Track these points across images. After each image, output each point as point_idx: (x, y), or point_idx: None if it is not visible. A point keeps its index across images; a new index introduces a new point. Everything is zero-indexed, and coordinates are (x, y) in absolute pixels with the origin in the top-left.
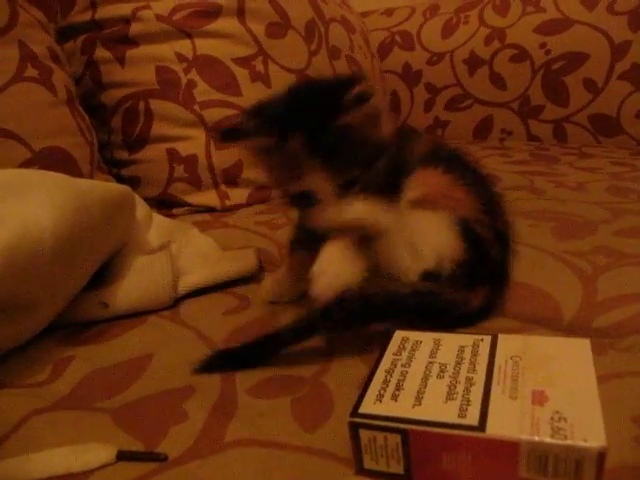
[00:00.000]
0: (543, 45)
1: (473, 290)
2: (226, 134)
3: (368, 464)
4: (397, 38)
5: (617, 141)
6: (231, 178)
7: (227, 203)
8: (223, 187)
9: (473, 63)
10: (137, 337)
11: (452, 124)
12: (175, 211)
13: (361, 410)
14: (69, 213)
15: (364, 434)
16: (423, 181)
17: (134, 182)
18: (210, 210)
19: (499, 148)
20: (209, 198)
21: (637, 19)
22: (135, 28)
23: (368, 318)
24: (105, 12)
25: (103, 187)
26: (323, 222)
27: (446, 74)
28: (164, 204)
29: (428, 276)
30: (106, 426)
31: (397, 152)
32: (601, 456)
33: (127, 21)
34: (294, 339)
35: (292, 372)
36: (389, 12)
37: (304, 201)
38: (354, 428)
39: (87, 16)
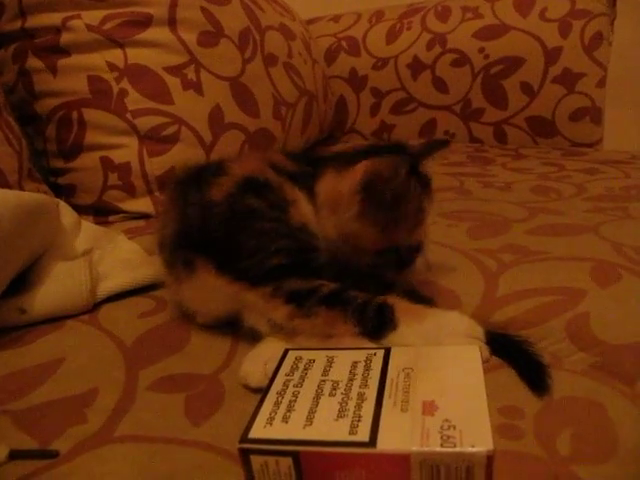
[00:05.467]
0: (482, 50)
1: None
2: None
3: None
4: (343, 44)
5: (553, 142)
6: (165, 185)
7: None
8: (157, 194)
9: (416, 68)
10: (52, 341)
11: (398, 127)
12: (111, 218)
13: (251, 435)
14: None
15: (255, 460)
16: None
17: (70, 190)
18: (145, 216)
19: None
20: (144, 205)
21: (566, 26)
22: (66, 37)
23: None
24: (35, 21)
25: (17, 196)
26: None
27: (391, 79)
28: (100, 212)
29: None
30: (7, 428)
31: None
32: (489, 460)
33: (58, 30)
34: None
35: (194, 369)
36: (336, 19)
37: None
38: (244, 454)
39: (17, 25)
